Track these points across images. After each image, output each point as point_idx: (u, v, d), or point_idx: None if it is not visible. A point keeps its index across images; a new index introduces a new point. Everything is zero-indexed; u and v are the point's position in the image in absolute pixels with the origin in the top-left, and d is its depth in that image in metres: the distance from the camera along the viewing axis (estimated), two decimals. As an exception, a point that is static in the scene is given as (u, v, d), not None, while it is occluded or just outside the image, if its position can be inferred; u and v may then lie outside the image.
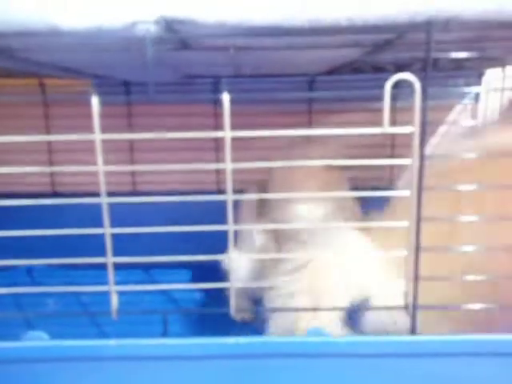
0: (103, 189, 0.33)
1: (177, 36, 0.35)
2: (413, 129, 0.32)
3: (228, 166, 0.32)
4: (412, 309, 0.35)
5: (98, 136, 0.32)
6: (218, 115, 0.86)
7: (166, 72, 0.66)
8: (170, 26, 0.33)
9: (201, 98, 0.85)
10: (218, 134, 0.32)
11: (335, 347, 0.34)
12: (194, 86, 0.83)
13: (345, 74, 0.80)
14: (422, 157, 0.33)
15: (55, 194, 0.97)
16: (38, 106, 0.93)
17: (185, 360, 0.33)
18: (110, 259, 0.34)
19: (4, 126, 0.89)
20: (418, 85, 0.31)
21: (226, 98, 0.32)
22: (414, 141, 0.32)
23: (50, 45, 0.37)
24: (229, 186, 0.33)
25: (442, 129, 0.86)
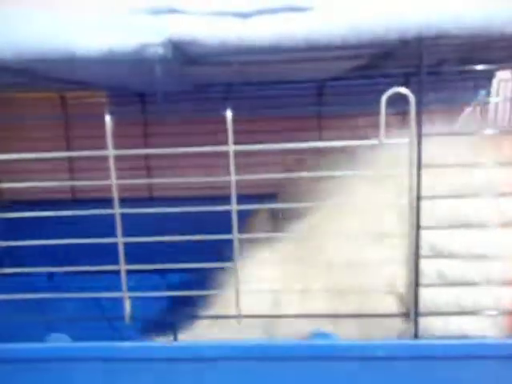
0: (116, 200, 0.36)
1: (183, 56, 0.37)
2: (408, 140, 0.33)
3: (232, 178, 0.34)
4: (414, 315, 0.37)
5: (111, 152, 0.35)
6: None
7: (175, 83, 0.68)
8: (176, 47, 0.35)
9: (210, 108, 0.87)
10: (222, 148, 0.34)
11: (343, 351, 0.35)
12: (204, 95, 0.85)
13: (354, 78, 0.81)
14: (418, 166, 0.34)
15: (74, 201, 1.01)
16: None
17: (195, 362, 0.35)
18: (123, 266, 0.37)
19: (25, 135, 0.93)
20: (412, 98, 0.33)
21: (229, 114, 0.34)
22: (411, 151, 0.33)
23: (67, 66, 0.40)
24: (233, 197, 0.35)
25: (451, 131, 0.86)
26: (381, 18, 0.32)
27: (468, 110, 0.88)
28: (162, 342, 0.35)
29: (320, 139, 0.88)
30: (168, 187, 0.94)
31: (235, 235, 0.36)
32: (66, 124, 0.99)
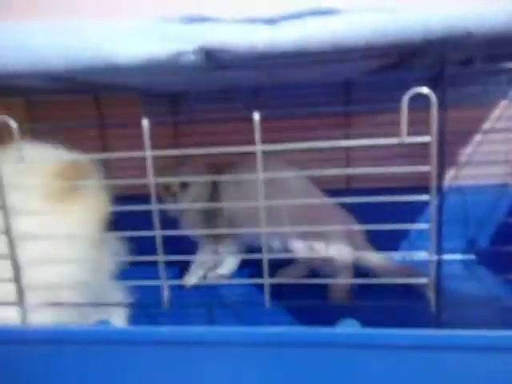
0: (154, 197, 0.39)
1: (214, 62, 0.39)
2: (430, 138, 0.34)
3: (259, 175, 0.37)
4: (436, 306, 0.37)
5: (148, 153, 0.38)
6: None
7: (205, 86, 0.71)
8: (207, 54, 0.38)
9: (238, 108, 0.89)
10: (249, 148, 0.36)
11: (366, 338, 0.36)
12: (231, 95, 0.87)
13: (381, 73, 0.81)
14: (440, 165, 0.35)
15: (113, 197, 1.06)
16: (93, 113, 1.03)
17: (229, 346, 0.38)
18: (162, 257, 0.40)
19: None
20: (433, 97, 0.34)
21: (256, 116, 0.36)
22: (432, 150, 0.35)
23: (109, 73, 0.44)
24: (260, 196, 0.37)
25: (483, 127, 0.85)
26: (406, 20, 0.33)
27: (502, 104, 0.86)
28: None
29: (347, 137, 0.89)
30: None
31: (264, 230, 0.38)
32: (101, 125, 1.04)
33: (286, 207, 0.66)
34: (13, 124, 0.37)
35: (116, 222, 0.53)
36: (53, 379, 0.42)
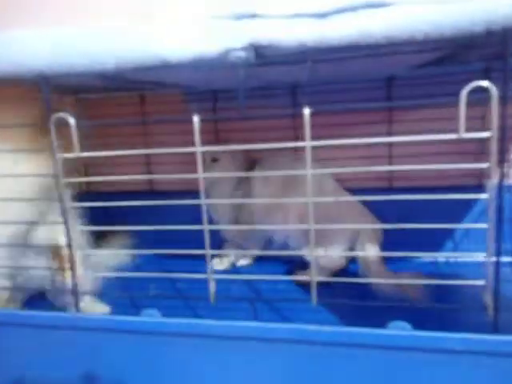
0: (203, 192, 0.39)
1: (263, 58, 0.39)
2: (490, 134, 0.33)
3: (308, 172, 0.36)
4: (494, 310, 0.36)
5: (198, 149, 0.38)
6: (296, 116, 0.90)
7: (249, 82, 0.72)
8: (257, 50, 0.38)
9: (279, 104, 0.89)
10: (299, 144, 0.36)
11: (419, 341, 0.35)
12: (273, 91, 0.87)
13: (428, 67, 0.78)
14: (501, 161, 0.33)
15: (152, 192, 1.09)
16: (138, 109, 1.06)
17: (277, 343, 0.38)
18: (209, 251, 0.41)
19: (107, 132, 1.03)
20: (494, 91, 0.32)
21: (306, 111, 0.36)
22: (492, 146, 0.33)
23: (158, 71, 0.45)
24: (309, 187, 0.37)
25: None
26: (465, 11, 0.32)
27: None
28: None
29: (389, 133, 0.87)
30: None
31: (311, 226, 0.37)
32: (144, 121, 1.07)
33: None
34: (71, 121, 0.39)
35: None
36: (101, 364, 0.44)
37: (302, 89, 0.88)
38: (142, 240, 0.95)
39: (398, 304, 0.37)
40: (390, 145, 0.88)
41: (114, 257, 0.92)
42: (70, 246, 0.44)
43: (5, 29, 0.41)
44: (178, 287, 0.76)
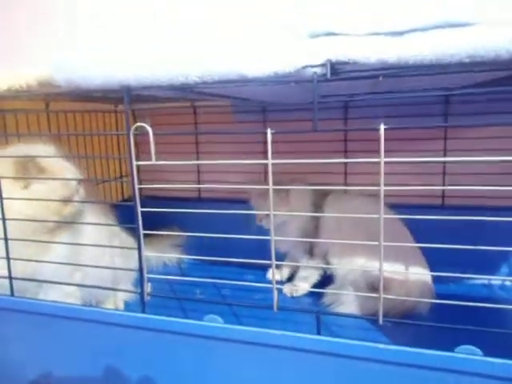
0: (271, 203, 0.40)
1: (338, 74, 0.40)
2: None
3: (381, 188, 0.37)
4: None
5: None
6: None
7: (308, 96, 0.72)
8: (333, 67, 0.38)
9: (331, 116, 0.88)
10: (374, 160, 0.36)
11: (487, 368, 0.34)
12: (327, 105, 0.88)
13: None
14: None
15: (199, 200, 1.12)
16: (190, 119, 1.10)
17: (336, 357, 0.38)
18: (274, 262, 0.41)
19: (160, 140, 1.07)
20: None
21: (382, 128, 0.36)
22: None
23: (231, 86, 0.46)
24: (381, 205, 0.37)
25: None
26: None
27: None
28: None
29: (444, 149, 0.85)
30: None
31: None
32: (196, 130, 1.11)
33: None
34: (150, 130, 0.41)
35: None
36: (162, 365, 0.46)
37: (355, 103, 0.88)
38: (186, 244, 0.98)
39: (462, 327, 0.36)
40: (445, 162, 0.86)
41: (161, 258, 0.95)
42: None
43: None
44: (223, 294, 0.77)
